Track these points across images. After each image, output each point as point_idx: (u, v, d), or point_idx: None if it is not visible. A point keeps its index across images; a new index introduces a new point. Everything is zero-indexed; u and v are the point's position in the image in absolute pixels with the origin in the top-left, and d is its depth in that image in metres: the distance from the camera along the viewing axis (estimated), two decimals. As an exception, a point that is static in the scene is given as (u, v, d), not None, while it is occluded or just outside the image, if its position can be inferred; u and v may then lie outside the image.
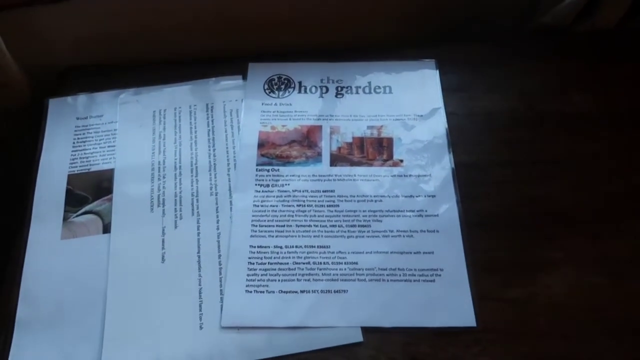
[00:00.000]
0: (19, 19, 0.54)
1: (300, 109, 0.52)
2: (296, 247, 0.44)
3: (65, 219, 0.46)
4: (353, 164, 0.49)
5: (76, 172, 0.49)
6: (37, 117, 0.54)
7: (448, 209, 0.46)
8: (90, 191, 0.48)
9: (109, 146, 0.51)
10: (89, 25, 0.57)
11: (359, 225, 0.45)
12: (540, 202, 0.47)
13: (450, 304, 0.41)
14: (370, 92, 0.53)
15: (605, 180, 0.48)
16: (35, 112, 0.54)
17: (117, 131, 0.51)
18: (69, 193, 0.48)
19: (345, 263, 0.43)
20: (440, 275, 0.43)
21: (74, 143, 0.51)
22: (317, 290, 0.42)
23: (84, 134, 0.52)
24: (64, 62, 0.58)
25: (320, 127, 0.51)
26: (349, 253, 0.44)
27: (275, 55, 0.56)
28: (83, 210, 0.47)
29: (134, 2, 0.55)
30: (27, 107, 0.56)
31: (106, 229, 0.46)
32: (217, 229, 0.45)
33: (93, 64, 0.58)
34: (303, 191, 0.47)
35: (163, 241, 0.45)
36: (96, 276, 0.43)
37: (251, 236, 0.45)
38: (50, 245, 0.45)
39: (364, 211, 0.46)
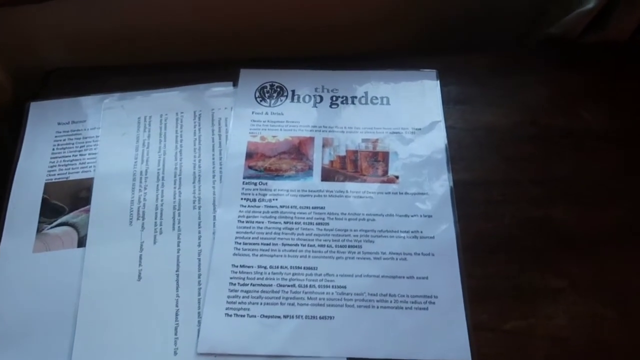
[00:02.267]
0: (2, 18, 0.52)
1: (292, 119, 0.50)
2: (281, 267, 0.42)
3: (39, 230, 0.44)
4: (345, 179, 0.46)
5: (54, 180, 0.47)
6: (19, 121, 0.51)
7: (445, 230, 0.43)
8: (67, 201, 0.46)
9: (89, 154, 0.48)
10: (74, 26, 0.55)
11: (349, 246, 0.42)
12: (543, 224, 0.44)
13: (444, 335, 0.39)
14: (366, 103, 0.51)
15: (613, 202, 0.45)
16: (18, 116, 0.52)
17: (99, 138, 0.49)
18: (44, 202, 0.45)
19: (332, 287, 0.41)
20: (434, 303, 0.40)
21: (53, 149, 0.49)
22: (302, 316, 0.39)
23: (64, 139, 0.49)
24: (48, 64, 0.56)
25: (312, 138, 0.48)
26: (337, 276, 0.41)
27: (269, 61, 0.54)
28: (58, 221, 0.44)
29: (122, 3, 0.53)
30: (10, 110, 0.54)
31: (81, 243, 0.43)
32: (199, 245, 0.43)
33: (78, 66, 0.56)
34: (291, 207, 0.44)
35: (140, 257, 0.42)
36: (68, 293, 0.41)
37: (234, 254, 0.42)
38: (21, 259, 0.43)
39: (355, 230, 0.43)
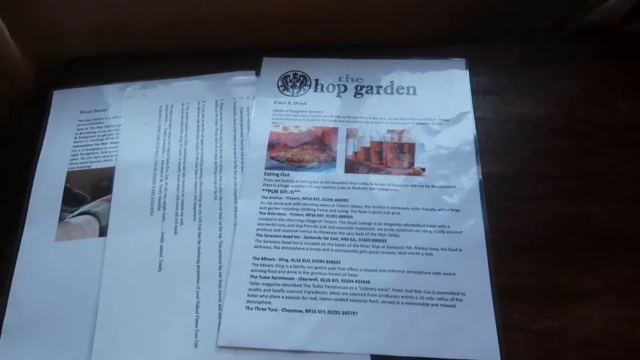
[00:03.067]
0: (25, 5, 0.52)
1: (315, 108, 0.48)
2: (303, 260, 0.41)
3: (61, 219, 0.44)
4: (370, 171, 0.45)
5: (76, 169, 0.46)
6: (42, 109, 0.51)
7: (473, 225, 0.41)
8: (88, 190, 0.45)
9: (111, 142, 0.48)
10: (96, 13, 0.54)
11: (373, 240, 0.41)
12: (577, 222, 0.42)
13: (472, 334, 0.37)
14: (392, 93, 0.49)
15: (653, 200, 0.43)
16: (41, 104, 0.52)
17: (120, 127, 0.48)
18: (66, 191, 0.45)
19: (356, 281, 0.39)
20: (461, 300, 0.38)
21: (76, 137, 0.48)
22: (324, 311, 0.38)
23: (86, 128, 0.49)
24: (70, 52, 0.55)
25: (336, 129, 0.47)
26: (360, 270, 0.40)
27: (292, 50, 0.52)
28: (80, 210, 0.44)
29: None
30: (33, 97, 0.54)
31: (103, 232, 0.43)
32: (220, 237, 0.42)
33: (101, 54, 0.55)
34: (314, 199, 0.43)
35: (161, 248, 0.42)
36: (89, 282, 0.41)
37: (255, 247, 0.41)
38: (43, 247, 0.43)
39: (379, 224, 0.42)
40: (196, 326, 0.38)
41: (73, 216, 0.44)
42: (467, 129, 0.47)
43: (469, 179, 0.44)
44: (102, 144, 0.48)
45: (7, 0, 0.50)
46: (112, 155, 0.47)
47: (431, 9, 0.54)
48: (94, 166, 0.47)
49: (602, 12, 0.50)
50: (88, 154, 0.47)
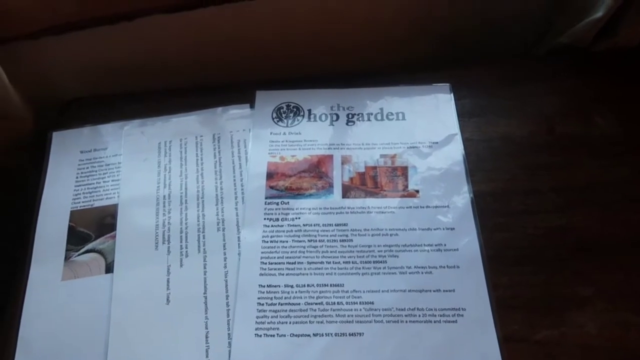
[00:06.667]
0: (21, 51, 0.53)
1: (310, 137, 0.50)
2: (308, 285, 0.42)
3: (66, 258, 0.45)
4: (366, 195, 0.46)
5: (79, 208, 0.47)
6: (40, 150, 0.52)
7: (468, 242, 0.43)
8: (93, 228, 0.46)
9: (112, 180, 0.49)
10: (91, 55, 0.56)
11: (374, 262, 0.43)
12: (566, 232, 0.44)
13: (475, 347, 0.39)
14: (382, 119, 0.51)
15: (635, 208, 0.45)
16: (39, 145, 0.53)
17: (121, 165, 0.50)
18: (71, 230, 0.46)
19: (360, 303, 0.41)
20: (462, 315, 0.40)
21: (77, 177, 0.49)
22: (331, 334, 0.40)
23: (87, 167, 0.50)
24: (67, 93, 0.57)
25: (331, 156, 0.49)
26: (364, 292, 0.41)
27: (283, 82, 0.55)
28: (85, 248, 0.45)
29: (136, 31, 0.54)
30: (30, 139, 0.55)
31: (109, 269, 0.44)
32: (225, 267, 0.43)
33: (97, 94, 0.57)
34: (314, 225, 0.45)
35: (168, 281, 0.43)
36: (98, 319, 0.41)
37: (260, 275, 0.42)
38: (50, 287, 0.43)
39: (379, 246, 0.43)
40: (207, 356, 0.39)
41: (78, 254, 0.45)
42: (456, 150, 0.49)
43: (461, 197, 0.46)
44: (104, 182, 0.49)
45: (5, 47, 0.51)
46: (114, 193, 0.48)
47: (414, 38, 0.56)
48: (96, 204, 0.48)
49: (572, 35, 0.54)
50: (90, 192, 0.48)
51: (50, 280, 0.43)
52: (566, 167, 0.48)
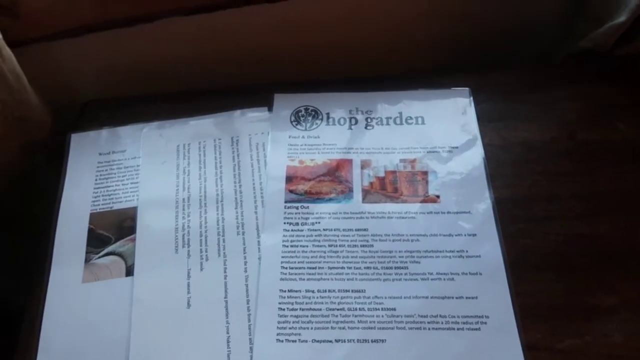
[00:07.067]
0: (40, 52, 0.53)
1: (328, 141, 0.50)
2: (329, 291, 0.42)
3: (87, 260, 0.45)
4: (386, 200, 0.46)
5: (98, 210, 0.47)
6: (58, 152, 0.52)
7: (490, 249, 0.43)
8: (112, 231, 0.46)
9: (131, 183, 0.49)
10: (110, 57, 0.56)
11: (395, 267, 0.42)
12: (588, 240, 0.44)
13: (498, 356, 0.38)
14: (401, 123, 0.51)
15: (659, 215, 0.45)
16: (57, 147, 0.53)
17: (139, 167, 0.50)
18: (90, 233, 0.46)
19: (382, 309, 0.41)
20: (485, 323, 0.40)
21: (96, 179, 0.49)
22: (353, 340, 0.39)
23: (106, 170, 0.50)
24: (85, 95, 0.57)
25: (350, 160, 0.49)
26: (385, 298, 0.41)
27: (302, 86, 0.54)
28: (105, 251, 0.45)
29: (155, 33, 0.54)
30: (49, 141, 0.55)
31: (129, 271, 0.44)
32: (245, 271, 0.43)
33: (115, 96, 0.57)
34: (334, 230, 0.45)
35: (188, 285, 0.43)
36: (119, 322, 0.41)
37: (281, 279, 0.42)
38: (71, 289, 0.43)
39: (400, 251, 0.43)
40: (228, 361, 0.39)
41: (99, 257, 0.45)
42: (476, 155, 0.48)
43: (483, 203, 0.45)
44: (123, 184, 0.49)
45: (23, 49, 0.51)
46: (133, 196, 0.48)
47: (433, 43, 0.56)
48: (115, 207, 0.47)
49: (593, 39, 0.53)
50: (109, 195, 0.48)
51: (70, 283, 0.43)
52: (588, 173, 0.48)
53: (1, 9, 0.48)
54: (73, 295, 0.43)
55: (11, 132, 0.50)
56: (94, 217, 0.47)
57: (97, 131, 0.53)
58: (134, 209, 0.47)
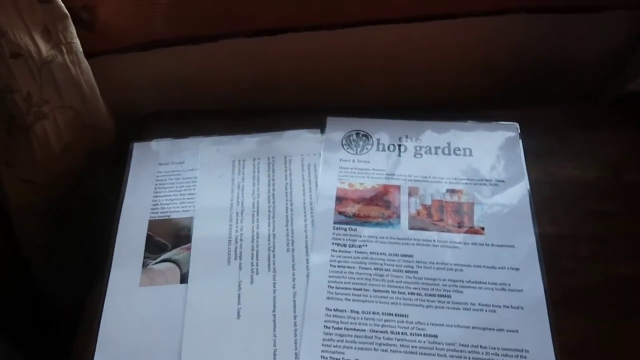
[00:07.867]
0: (110, 64, 0.57)
1: (378, 167, 0.52)
2: (373, 313, 0.43)
3: (144, 265, 0.47)
4: (432, 228, 0.48)
5: (157, 218, 0.50)
6: (118, 160, 0.55)
7: (533, 284, 0.44)
8: (169, 238, 0.49)
9: (189, 194, 0.51)
10: (173, 72, 0.59)
11: (438, 295, 0.44)
12: (633, 282, 0.45)
13: (537, 391, 0.39)
14: (449, 154, 0.53)
15: None
16: (118, 155, 0.56)
17: (197, 179, 0.52)
18: (149, 239, 0.49)
19: (424, 335, 0.42)
20: (525, 357, 0.41)
21: (155, 188, 0.52)
22: (395, 363, 0.41)
23: (165, 179, 0.53)
24: (146, 106, 0.60)
25: (398, 187, 0.50)
26: (428, 324, 0.42)
27: (353, 110, 0.56)
28: (162, 257, 0.48)
29: (218, 52, 0.57)
30: (111, 148, 0.58)
31: (184, 279, 0.46)
32: (293, 287, 0.45)
33: (175, 109, 0.60)
34: (381, 254, 0.46)
35: (239, 296, 0.45)
36: (172, 326, 0.44)
37: (327, 298, 0.44)
38: (129, 292, 0.46)
39: (443, 280, 0.45)
40: (275, 374, 0.41)
41: (155, 263, 0.47)
42: (522, 191, 0.50)
43: (527, 238, 0.47)
44: (180, 194, 0.52)
45: (94, 60, 0.55)
46: (189, 206, 0.51)
47: (477, 75, 0.58)
48: (173, 216, 0.50)
49: (644, 83, 0.54)
50: (168, 204, 0.51)
51: (129, 285, 0.46)
52: (632, 215, 0.48)
53: (81, 22, 0.52)
54: (131, 297, 0.45)
55: (82, 139, 0.53)
56: (153, 224, 0.50)
57: (157, 141, 0.56)
58: (190, 219, 0.50)
